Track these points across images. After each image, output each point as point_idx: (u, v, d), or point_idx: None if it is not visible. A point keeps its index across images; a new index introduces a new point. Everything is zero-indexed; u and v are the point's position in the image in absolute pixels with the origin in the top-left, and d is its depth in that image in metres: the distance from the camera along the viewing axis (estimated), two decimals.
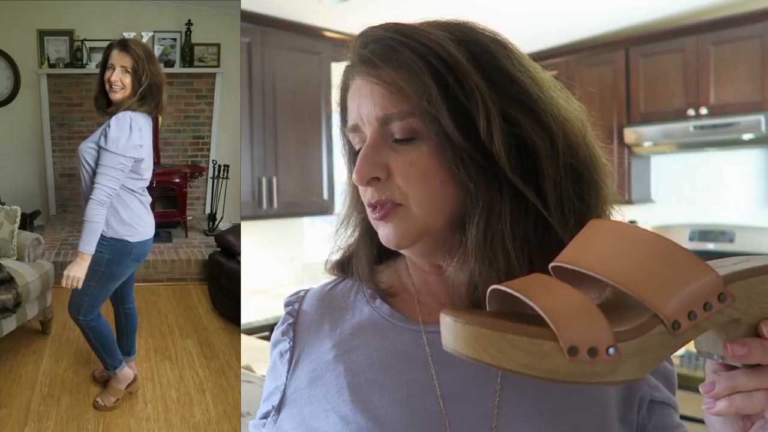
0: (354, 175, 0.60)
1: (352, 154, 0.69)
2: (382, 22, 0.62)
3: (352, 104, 0.63)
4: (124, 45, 1.80)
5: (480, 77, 0.58)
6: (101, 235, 1.81)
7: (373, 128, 0.60)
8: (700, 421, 0.54)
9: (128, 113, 1.78)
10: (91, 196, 1.76)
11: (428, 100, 0.57)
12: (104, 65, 1.82)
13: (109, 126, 1.75)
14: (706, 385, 0.49)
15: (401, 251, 0.65)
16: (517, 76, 0.59)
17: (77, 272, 1.79)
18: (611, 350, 0.42)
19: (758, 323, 0.47)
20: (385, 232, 0.61)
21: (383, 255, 0.73)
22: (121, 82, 1.78)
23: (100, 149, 1.76)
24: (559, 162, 0.58)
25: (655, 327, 0.44)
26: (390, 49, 0.59)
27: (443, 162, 0.58)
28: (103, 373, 2.24)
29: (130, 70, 1.78)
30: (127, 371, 2.13)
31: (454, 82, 0.57)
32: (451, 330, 0.45)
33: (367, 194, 0.62)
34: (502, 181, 0.57)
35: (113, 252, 1.85)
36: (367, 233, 0.71)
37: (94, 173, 1.79)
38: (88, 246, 1.78)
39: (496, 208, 0.57)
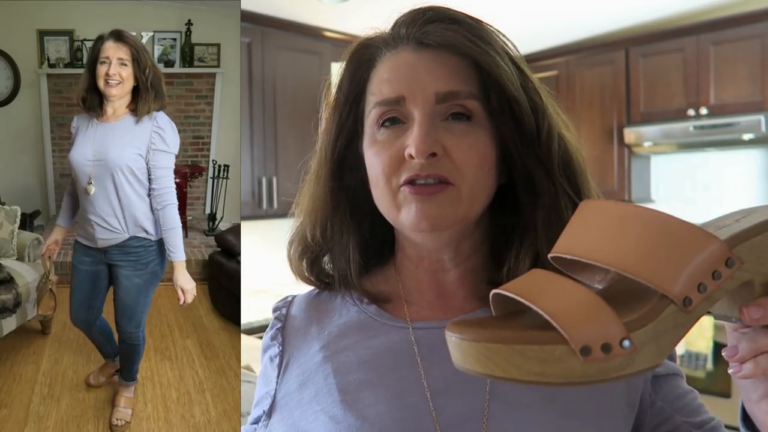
0: (414, 148, 0.57)
1: (345, 139, 0.67)
2: (444, 6, 0.63)
3: (396, 76, 0.61)
4: (119, 36, 1.65)
5: (534, 82, 0.63)
6: (150, 239, 1.74)
7: (428, 103, 0.59)
8: None
9: (161, 113, 1.71)
10: (168, 202, 1.68)
11: (515, 86, 0.60)
12: (95, 59, 1.65)
13: (161, 128, 1.68)
14: (729, 349, 0.47)
15: (432, 233, 0.61)
16: (537, 86, 0.64)
17: (190, 282, 1.71)
18: (626, 342, 0.41)
19: None
20: (423, 210, 0.58)
21: (371, 261, 0.72)
22: (119, 75, 1.63)
23: (155, 152, 1.67)
24: (581, 163, 0.64)
25: (666, 308, 0.43)
26: (475, 33, 0.61)
27: (494, 150, 0.61)
28: (98, 378, 2.18)
29: (128, 62, 1.64)
30: None
31: (522, 79, 0.61)
32: (457, 348, 0.43)
33: (409, 167, 0.59)
34: (552, 174, 0.62)
35: (159, 252, 1.78)
36: (355, 238, 0.69)
37: (147, 180, 1.70)
38: (182, 252, 1.71)
39: (557, 202, 0.62)
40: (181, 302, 1.73)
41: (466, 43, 0.59)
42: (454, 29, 0.60)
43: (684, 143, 3.16)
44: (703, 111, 3.06)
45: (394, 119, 0.61)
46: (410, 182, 0.59)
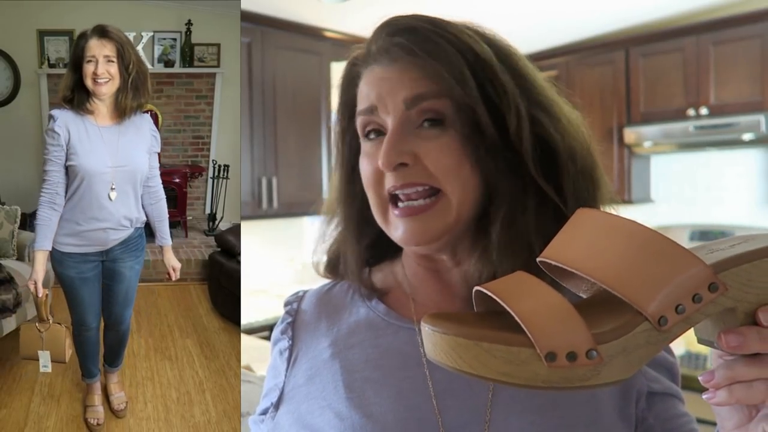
0: (381, 161, 0.59)
1: (348, 148, 0.69)
2: (411, 13, 0.62)
3: (370, 89, 0.62)
4: (103, 32, 1.62)
5: (509, 77, 0.59)
6: (141, 227, 1.86)
7: (398, 111, 0.60)
8: (703, 422, 0.54)
9: (145, 115, 1.77)
10: (162, 197, 1.85)
11: (466, 91, 0.58)
12: (80, 58, 1.62)
13: (156, 132, 1.79)
14: (705, 374, 0.47)
15: (417, 248, 0.64)
16: (535, 77, 0.62)
17: (177, 261, 1.89)
18: (592, 353, 0.41)
19: (755, 310, 0.45)
20: (413, 227, 0.60)
21: (374, 258, 0.73)
22: (108, 73, 1.61)
23: (152, 154, 1.79)
24: (576, 162, 0.60)
25: (639, 324, 0.43)
26: (428, 40, 0.60)
27: (471, 151, 0.59)
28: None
29: (114, 58, 1.61)
30: None
31: (486, 79, 0.59)
32: (430, 339, 0.44)
33: (388, 180, 0.61)
34: (528, 179, 0.59)
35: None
36: (354, 235, 0.71)
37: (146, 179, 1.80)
38: (170, 238, 1.90)
39: (521, 204, 0.59)
40: (173, 278, 1.90)
41: (420, 54, 0.59)
42: (410, 40, 0.60)
43: (684, 143, 3.16)
44: (703, 111, 3.06)
45: (378, 131, 0.63)
46: (393, 201, 0.61)
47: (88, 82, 1.62)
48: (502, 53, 0.61)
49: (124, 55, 1.62)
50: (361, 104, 0.63)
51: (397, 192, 0.60)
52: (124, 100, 1.66)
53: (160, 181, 1.86)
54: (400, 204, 0.61)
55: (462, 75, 0.58)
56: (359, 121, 0.64)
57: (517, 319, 0.42)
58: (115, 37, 1.62)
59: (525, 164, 0.58)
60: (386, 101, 0.60)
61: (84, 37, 1.63)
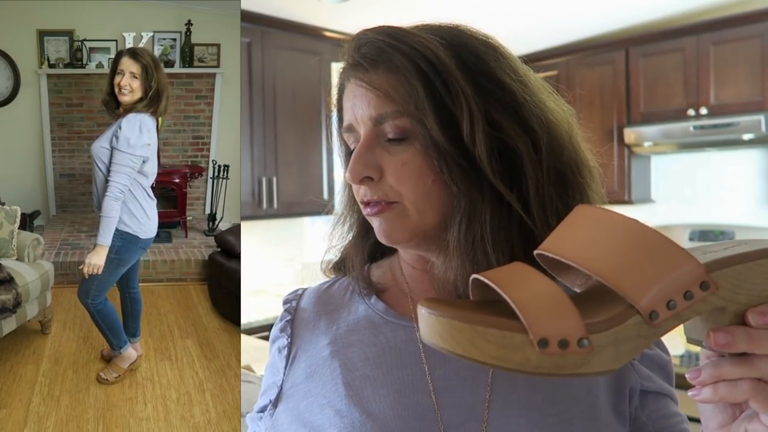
0: (347, 174, 0.61)
1: (348, 154, 0.71)
2: (376, 26, 0.63)
3: (347, 105, 0.64)
4: (133, 53, 1.99)
5: (466, 81, 0.59)
6: (116, 228, 1.97)
7: (366, 128, 0.62)
8: (699, 421, 0.54)
9: (138, 115, 1.95)
10: (107, 193, 1.93)
11: (415, 104, 0.58)
12: (114, 70, 1.99)
13: (120, 127, 1.93)
14: (692, 371, 0.48)
15: (395, 247, 0.66)
16: (504, 80, 0.60)
17: (98, 260, 1.95)
18: (584, 342, 0.42)
19: (744, 311, 0.46)
20: (379, 227, 0.63)
21: (378, 253, 0.75)
22: (129, 86, 1.96)
23: (112, 149, 1.93)
24: (542, 165, 0.59)
25: (630, 317, 0.43)
26: (381, 52, 0.61)
27: (431, 162, 0.59)
28: (110, 352, 2.36)
29: (138, 75, 1.96)
30: (130, 351, 2.31)
31: (441, 86, 0.58)
32: (426, 322, 0.45)
33: (360, 192, 0.63)
34: (485, 184, 0.59)
35: (123, 240, 2.01)
36: (361, 233, 0.73)
37: (108, 172, 1.95)
38: (106, 239, 1.95)
39: (478, 211, 0.59)
40: (82, 269, 1.97)
41: (376, 71, 0.61)
42: (368, 56, 0.61)
43: (684, 143, 3.16)
44: (703, 111, 3.06)
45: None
46: (364, 203, 0.63)
47: (115, 90, 1.98)
48: (467, 56, 0.60)
49: (147, 75, 1.97)
50: (345, 120, 0.65)
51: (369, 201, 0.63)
52: (137, 106, 1.96)
53: (117, 180, 1.93)
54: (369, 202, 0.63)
55: (411, 87, 0.58)
56: (344, 137, 0.66)
57: (511, 304, 0.43)
58: (142, 60, 1.97)
59: (483, 169, 0.58)
60: (358, 118, 0.62)
61: (120, 54, 2.01)
